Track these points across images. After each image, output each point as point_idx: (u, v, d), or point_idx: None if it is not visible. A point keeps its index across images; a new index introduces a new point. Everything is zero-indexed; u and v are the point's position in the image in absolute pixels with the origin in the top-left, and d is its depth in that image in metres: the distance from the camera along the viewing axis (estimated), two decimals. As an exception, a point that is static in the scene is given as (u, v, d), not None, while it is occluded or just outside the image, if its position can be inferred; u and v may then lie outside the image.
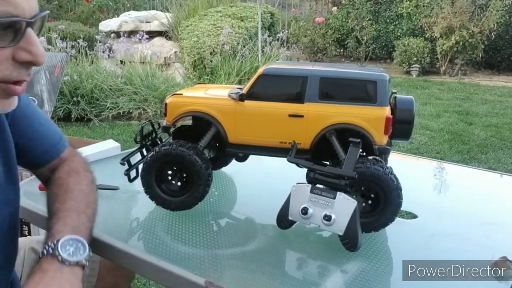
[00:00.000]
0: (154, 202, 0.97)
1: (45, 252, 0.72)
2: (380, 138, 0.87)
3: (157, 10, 8.19)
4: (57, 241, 0.73)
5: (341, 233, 0.80)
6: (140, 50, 5.62)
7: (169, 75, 5.40)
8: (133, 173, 0.99)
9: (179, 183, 0.96)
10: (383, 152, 0.89)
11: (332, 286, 0.76)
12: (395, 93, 0.95)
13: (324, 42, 8.34)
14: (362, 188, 0.87)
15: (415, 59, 7.61)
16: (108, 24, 7.10)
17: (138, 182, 0.98)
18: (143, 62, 5.39)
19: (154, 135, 1.04)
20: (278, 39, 6.19)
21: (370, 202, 0.87)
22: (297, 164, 0.88)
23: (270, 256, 0.85)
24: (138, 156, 1.02)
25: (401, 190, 0.85)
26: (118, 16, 7.90)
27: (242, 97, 0.92)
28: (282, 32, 6.37)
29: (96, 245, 0.83)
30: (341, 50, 9.33)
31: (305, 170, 0.86)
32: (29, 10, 0.66)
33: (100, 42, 5.83)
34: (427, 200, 1.16)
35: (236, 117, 0.93)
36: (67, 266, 0.71)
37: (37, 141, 0.92)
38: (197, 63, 5.57)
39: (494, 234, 0.97)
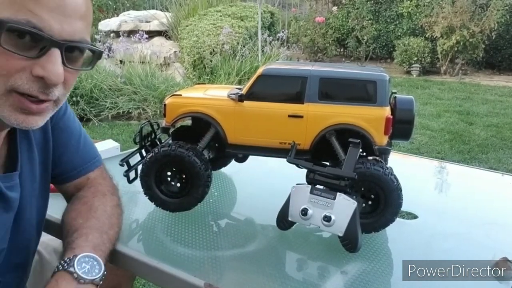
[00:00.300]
0: (153, 203, 0.97)
1: (60, 267, 0.73)
2: (380, 139, 0.87)
3: (156, 9, 8.18)
4: (74, 256, 0.73)
5: (341, 234, 0.80)
6: (140, 50, 5.62)
7: (169, 75, 5.39)
8: (132, 174, 0.99)
9: (178, 184, 0.96)
10: (383, 153, 0.89)
11: (332, 287, 0.76)
12: (395, 93, 0.94)
13: (324, 41, 8.33)
14: (362, 189, 0.86)
15: (415, 58, 7.60)
16: (108, 24, 7.09)
17: (137, 183, 0.97)
18: (142, 62, 5.37)
19: (153, 136, 1.04)
20: (278, 39, 6.18)
21: (370, 202, 0.87)
22: (297, 165, 0.88)
23: (270, 257, 0.85)
24: (137, 157, 1.01)
25: (401, 190, 0.84)
26: (117, 15, 7.88)
27: (241, 98, 0.91)
28: (282, 32, 6.37)
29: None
30: (341, 50, 9.32)
31: (304, 170, 0.85)
32: (61, 31, 0.66)
33: (99, 41, 5.83)
34: (428, 200, 1.16)
35: (236, 118, 0.93)
36: (81, 284, 0.71)
37: (69, 156, 0.92)
38: (196, 63, 5.56)
39: (494, 234, 0.97)
